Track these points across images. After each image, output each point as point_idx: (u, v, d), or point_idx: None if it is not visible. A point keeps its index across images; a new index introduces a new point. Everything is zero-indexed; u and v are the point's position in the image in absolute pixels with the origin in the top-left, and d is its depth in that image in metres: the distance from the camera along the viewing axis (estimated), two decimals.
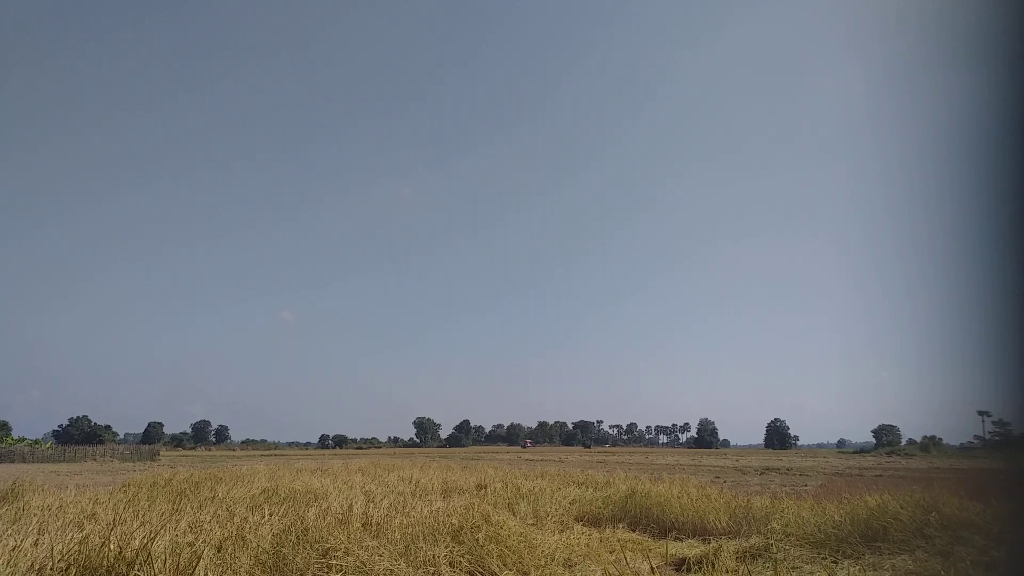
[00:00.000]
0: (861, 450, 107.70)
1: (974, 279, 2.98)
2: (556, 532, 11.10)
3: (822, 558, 8.23)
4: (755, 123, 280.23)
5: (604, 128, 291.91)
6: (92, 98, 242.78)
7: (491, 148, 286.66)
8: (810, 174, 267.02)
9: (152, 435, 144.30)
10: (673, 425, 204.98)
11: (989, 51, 3.00)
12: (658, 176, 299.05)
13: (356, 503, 10.34)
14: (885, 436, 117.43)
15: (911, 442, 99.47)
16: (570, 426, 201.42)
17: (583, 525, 12.69)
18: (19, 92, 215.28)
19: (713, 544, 9.68)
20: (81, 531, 6.95)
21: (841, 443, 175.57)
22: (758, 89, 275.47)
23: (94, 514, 9.89)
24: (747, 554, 8.90)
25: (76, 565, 5.06)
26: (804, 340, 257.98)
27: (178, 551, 5.46)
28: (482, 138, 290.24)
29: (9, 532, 7.37)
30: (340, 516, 8.80)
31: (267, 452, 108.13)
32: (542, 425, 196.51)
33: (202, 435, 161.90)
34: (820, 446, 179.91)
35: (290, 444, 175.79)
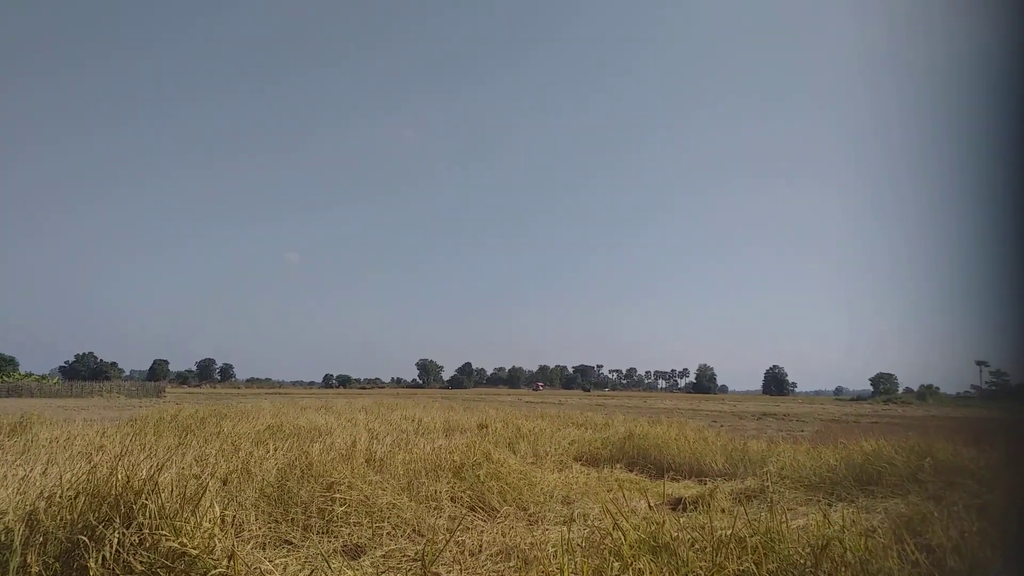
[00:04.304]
0: (858, 398, 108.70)
1: (973, 229, 2.93)
2: (555, 471, 11.30)
3: (816, 500, 8.36)
4: (764, 64, 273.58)
5: (609, 62, 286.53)
6: (95, 33, 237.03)
7: (494, 82, 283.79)
8: (813, 120, 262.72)
9: (157, 372, 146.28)
10: (672, 370, 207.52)
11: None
12: (660, 116, 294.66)
13: (360, 440, 10.47)
14: (882, 384, 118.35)
15: (908, 391, 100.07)
16: (570, 370, 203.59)
17: (582, 465, 12.91)
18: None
19: (709, 485, 9.84)
20: (89, 462, 7.04)
21: (839, 390, 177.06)
22: (767, 32, 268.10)
23: (102, 446, 10.04)
24: (743, 495, 9.05)
25: (85, 493, 5.13)
26: (804, 288, 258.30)
27: (184, 482, 5.54)
28: (485, 70, 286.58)
29: (18, 462, 7.50)
30: (344, 452, 8.92)
31: (272, 391, 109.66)
32: (543, 369, 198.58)
33: (207, 373, 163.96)
34: (818, 393, 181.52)
35: (294, 383, 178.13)
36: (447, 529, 6.61)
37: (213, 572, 4.38)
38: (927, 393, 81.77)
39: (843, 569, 4.56)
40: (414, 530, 6.66)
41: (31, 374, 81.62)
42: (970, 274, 2.94)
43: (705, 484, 10.28)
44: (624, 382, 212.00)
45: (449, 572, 5.29)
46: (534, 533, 6.62)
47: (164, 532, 4.60)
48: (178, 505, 4.98)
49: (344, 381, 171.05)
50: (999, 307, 2.70)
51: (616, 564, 4.68)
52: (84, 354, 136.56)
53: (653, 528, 5.24)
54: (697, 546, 5.05)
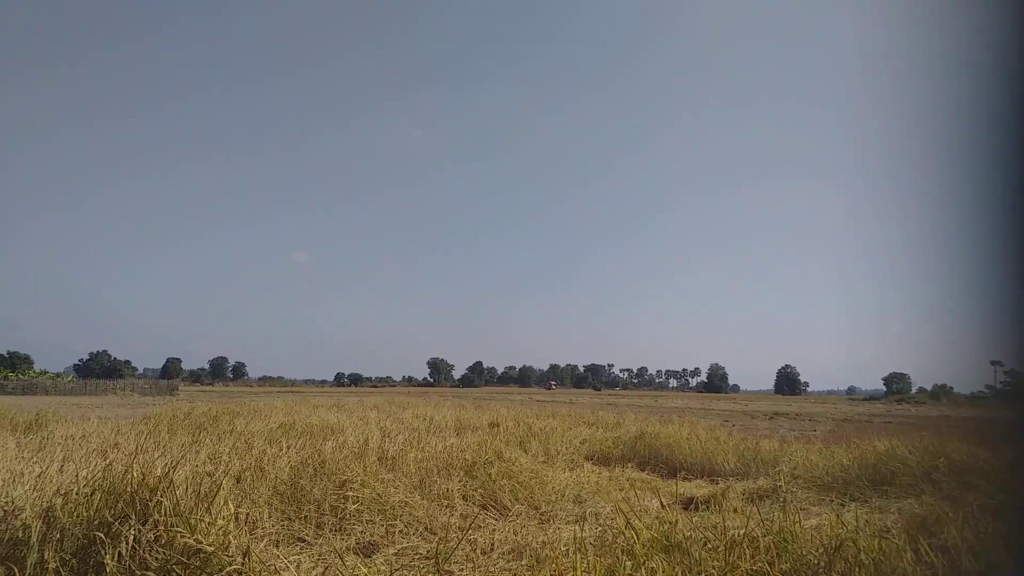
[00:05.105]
0: (871, 397, 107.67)
1: (987, 228, 2.90)
2: (566, 470, 11.29)
3: (829, 500, 8.32)
4: (770, 62, 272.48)
5: (611, 61, 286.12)
6: (100, 32, 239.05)
7: (499, 78, 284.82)
8: (822, 117, 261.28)
9: (170, 370, 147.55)
10: (683, 370, 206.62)
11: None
12: (668, 112, 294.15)
13: (372, 438, 10.51)
14: (895, 384, 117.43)
15: (921, 390, 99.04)
16: (581, 369, 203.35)
17: (593, 464, 12.89)
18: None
19: (721, 485, 9.81)
20: (105, 459, 7.12)
21: (851, 390, 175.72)
22: (769, 30, 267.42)
23: (117, 444, 10.13)
24: (755, 495, 9.01)
25: (101, 490, 5.18)
26: (816, 288, 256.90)
27: (199, 480, 5.59)
28: (487, 70, 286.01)
29: (35, 459, 7.59)
30: (356, 450, 8.95)
31: (284, 388, 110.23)
32: (553, 368, 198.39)
33: (220, 371, 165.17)
34: (830, 393, 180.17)
35: (306, 381, 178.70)
36: (459, 527, 6.62)
37: (228, 569, 4.42)
38: (941, 393, 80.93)
39: (857, 570, 4.54)
40: (426, 528, 6.69)
41: (45, 372, 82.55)
42: (984, 273, 2.92)
43: (717, 484, 10.25)
44: (635, 381, 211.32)
45: (462, 570, 5.30)
46: (546, 532, 6.63)
47: (179, 529, 4.64)
48: (193, 503, 5.02)
49: (356, 379, 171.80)
50: (1014, 306, 2.69)
51: (628, 563, 4.67)
52: (98, 352, 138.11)
53: (665, 527, 5.24)
54: (710, 545, 5.05)
